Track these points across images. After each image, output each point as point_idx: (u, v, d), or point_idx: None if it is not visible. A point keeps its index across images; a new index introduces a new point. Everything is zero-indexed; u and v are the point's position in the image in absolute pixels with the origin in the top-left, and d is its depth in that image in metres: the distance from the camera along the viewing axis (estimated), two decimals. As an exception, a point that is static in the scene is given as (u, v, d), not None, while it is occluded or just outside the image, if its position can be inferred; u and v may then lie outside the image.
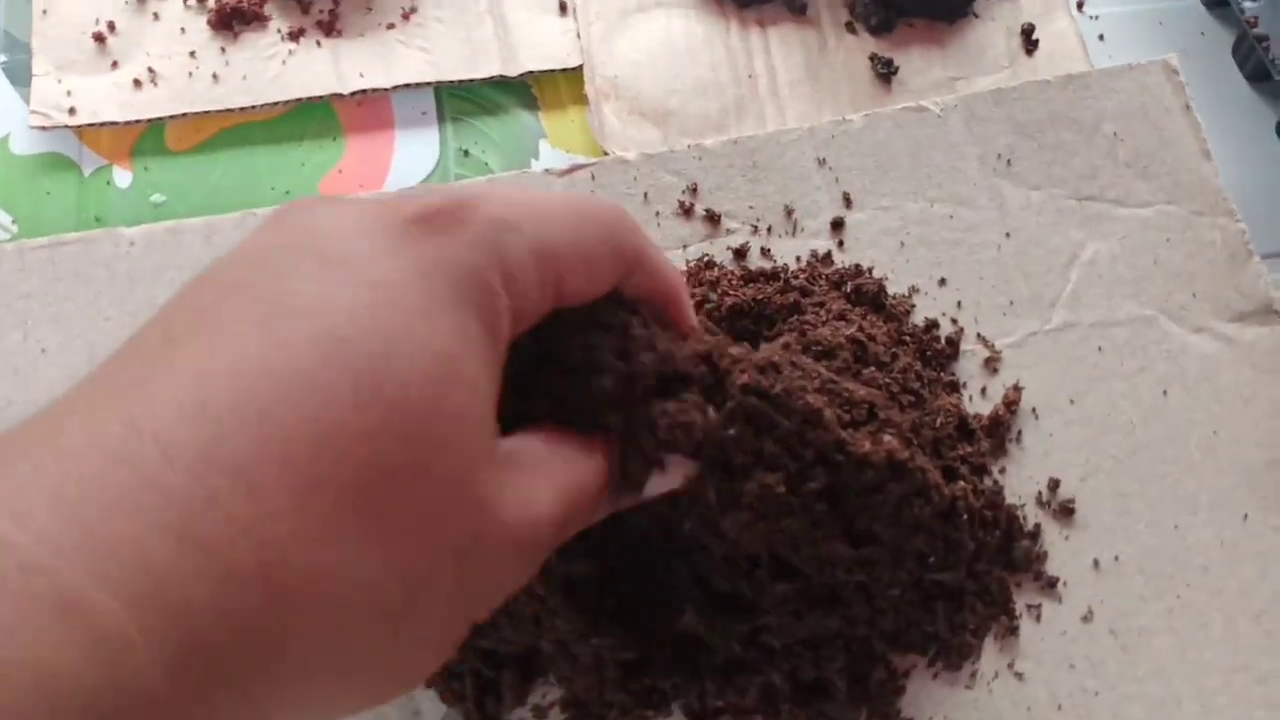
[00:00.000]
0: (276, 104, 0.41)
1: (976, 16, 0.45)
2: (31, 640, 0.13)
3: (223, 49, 0.41)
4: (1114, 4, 0.47)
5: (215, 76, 0.40)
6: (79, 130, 0.40)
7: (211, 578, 0.14)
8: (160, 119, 0.40)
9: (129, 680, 0.13)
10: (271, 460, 0.15)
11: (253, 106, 0.40)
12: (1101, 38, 0.46)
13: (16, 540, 0.13)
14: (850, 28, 0.45)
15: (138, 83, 0.40)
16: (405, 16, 0.43)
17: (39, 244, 0.37)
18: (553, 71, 0.43)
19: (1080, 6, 0.47)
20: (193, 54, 0.41)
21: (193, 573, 0.14)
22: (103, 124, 0.40)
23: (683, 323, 0.25)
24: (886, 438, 0.31)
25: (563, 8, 0.44)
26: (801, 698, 0.32)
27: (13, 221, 0.38)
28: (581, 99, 0.43)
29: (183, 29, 0.41)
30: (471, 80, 0.42)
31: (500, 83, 0.42)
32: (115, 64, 0.41)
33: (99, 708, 0.13)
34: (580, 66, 0.43)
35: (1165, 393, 0.38)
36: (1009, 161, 0.42)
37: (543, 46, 0.43)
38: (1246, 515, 0.37)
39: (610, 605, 0.32)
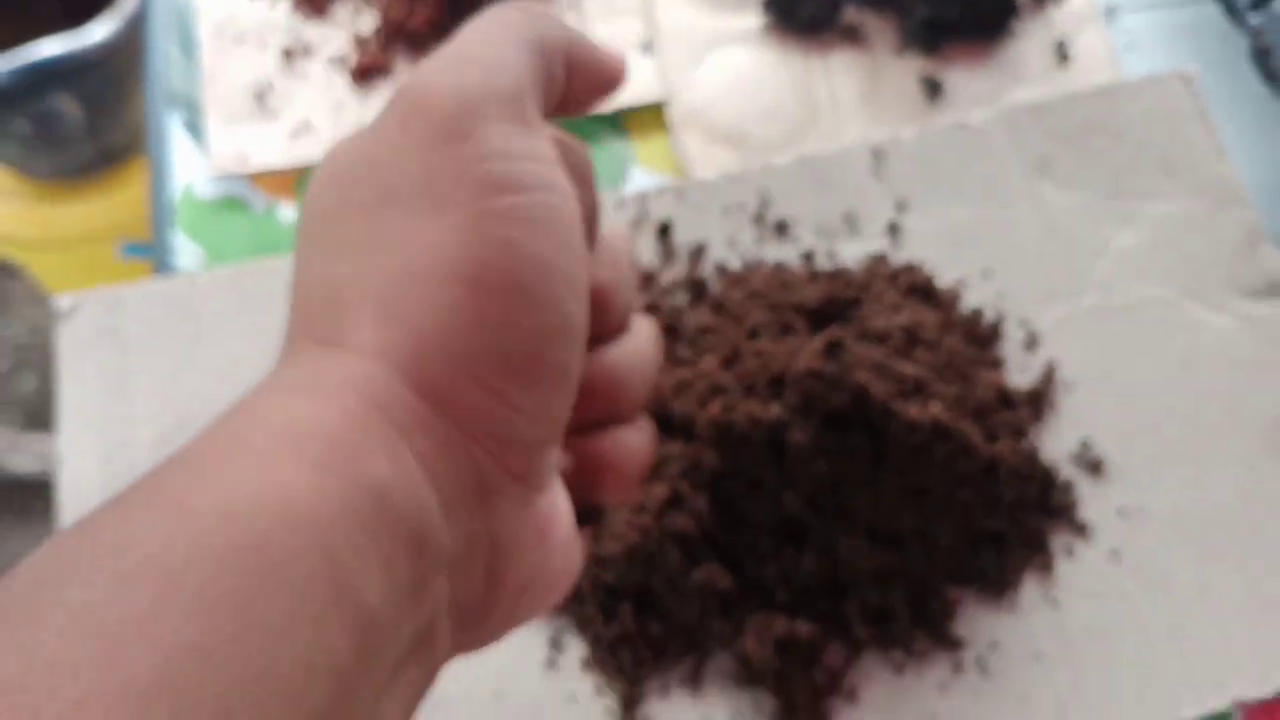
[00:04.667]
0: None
1: (1013, 35, 0.55)
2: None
3: (362, 100, 0.53)
4: (1141, 15, 0.56)
5: (360, 123, 0.52)
6: (250, 176, 0.52)
7: None
8: (315, 164, 0.52)
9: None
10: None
11: (391, 148, 0.52)
12: (1131, 48, 0.55)
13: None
14: (900, 51, 0.55)
15: (295, 132, 0.52)
16: (512, 63, 0.54)
17: (228, 271, 0.49)
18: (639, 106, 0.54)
19: (1108, 20, 0.56)
20: (338, 105, 0.53)
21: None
22: (268, 171, 0.51)
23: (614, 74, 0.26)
24: (931, 405, 0.41)
25: (646, 47, 0.55)
26: (870, 622, 0.42)
27: (203, 253, 0.50)
28: (666, 127, 0.53)
29: (328, 85, 0.53)
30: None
31: (594, 116, 0.53)
32: (275, 117, 0.53)
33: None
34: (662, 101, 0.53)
35: (1188, 363, 0.48)
36: (1046, 167, 0.51)
37: (630, 83, 0.53)
38: (1258, 466, 0.46)
39: (709, 549, 0.42)
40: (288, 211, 0.51)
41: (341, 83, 0.53)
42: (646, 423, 0.26)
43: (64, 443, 0.46)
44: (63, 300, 0.48)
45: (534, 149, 0.21)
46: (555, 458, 0.23)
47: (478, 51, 0.21)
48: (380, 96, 0.53)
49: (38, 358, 1.38)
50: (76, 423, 0.47)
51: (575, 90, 0.25)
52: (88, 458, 0.46)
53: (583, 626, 0.43)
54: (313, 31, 0.54)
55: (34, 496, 1.28)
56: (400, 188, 0.21)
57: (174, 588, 0.15)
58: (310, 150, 0.52)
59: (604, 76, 0.25)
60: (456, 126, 0.20)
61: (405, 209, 0.21)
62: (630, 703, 0.42)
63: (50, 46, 0.92)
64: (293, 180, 0.52)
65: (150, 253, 1.01)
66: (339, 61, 0.54)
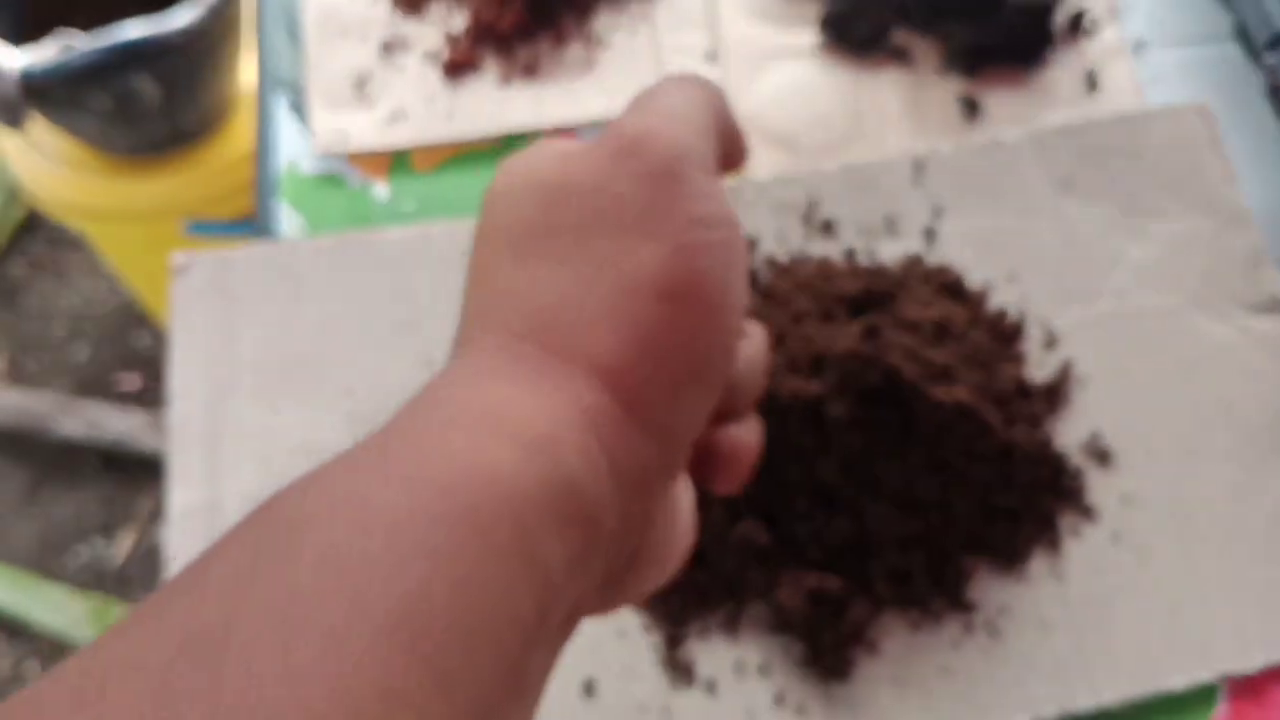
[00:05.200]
0: (494, 137, 0.58)
1: (1047, 64, 0.60)
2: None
3: (452, 92, 0.59)
4: (1167, 51, 0.61)
5: (449, 114, 0.58)
6: (348, 156, 0.58)
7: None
8: (408, 149, 0.57)
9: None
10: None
11: (476, 139, 0.58)
12: (1156, 81, 0.60)
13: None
14: (943, 72, 0.60)
15: (390, 119, 0.58)
16: (589, 65, 0.60)
17: (327, 239, 0.55)
18: (703, 109, 0.59)
19: (1137, 53, 0.61)
20: (430, 96, 0.59)
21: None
22: (365, 152, 0.57)
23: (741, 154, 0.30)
24: (956, 389, 0.47)
25: (711, 57, 0.60)
26: (892, 581, 0.48)
27: (303, 222, 0.56)
28: (726, 131, 0.59)
29: (422, 78, 0.59)
30: (641, 117, 0.58)
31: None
32: (372, 104, 0.58)
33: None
34: (725, 105, 0.59)
35: (1191, 367, 0.53)
36: (1069, 184, 0.56)
37: (696, 90, 0.59)
38: (1249, 464, 0.51)
39: (751, 508, 0.48)
40: (380, 189, 0.57)
41: (434, 76, 0.59)
42: (756, 420, 0.28)
43: (175, 383, 0.52)
44: (178, 257, 0.54)
45: (719, 193, 0.25)
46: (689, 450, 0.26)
47: (682, 111, 0.25)
48: (469, 91, 0.59)
49: (91, 328, 1.45)
50: (186, 366, 0.53)
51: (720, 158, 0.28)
52: (195, 398, 0.52)
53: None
54: (410, 28, 0.60)
55: (82, 461, 1.35)
56: (612, 214, 0.24)
57: (397, 539, 0.18)
58: (403, 135, 0.57)
59: (736, 156, 0.29)
60: (669, 170, 0.24)
61: (617, 232, 0.24)
62: (674, 641, 0.47)
63: (135, 29, 0.97)
64: (386, 162, 0.58)
65: (213, 230, 1.07)
66: (432, 57, 0.60)
